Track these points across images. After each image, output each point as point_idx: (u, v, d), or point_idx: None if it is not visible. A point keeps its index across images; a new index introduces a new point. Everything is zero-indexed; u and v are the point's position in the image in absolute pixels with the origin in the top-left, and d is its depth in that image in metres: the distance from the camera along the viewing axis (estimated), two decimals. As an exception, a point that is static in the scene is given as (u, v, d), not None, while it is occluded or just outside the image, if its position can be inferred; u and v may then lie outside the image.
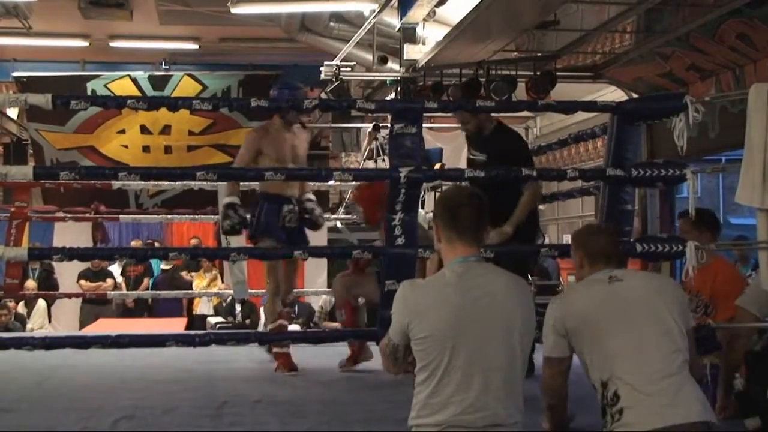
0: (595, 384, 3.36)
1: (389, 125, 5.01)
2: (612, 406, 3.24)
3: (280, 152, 6.13)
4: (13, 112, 16.15)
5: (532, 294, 3.32)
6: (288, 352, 5.96)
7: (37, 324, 11.71)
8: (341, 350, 6.11)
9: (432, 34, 10.44)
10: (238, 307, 11.91)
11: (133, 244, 13.62)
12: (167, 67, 15.15)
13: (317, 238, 6.73)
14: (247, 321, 11.92)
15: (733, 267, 5.21)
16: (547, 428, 3.68)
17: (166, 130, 13.17)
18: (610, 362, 3.30)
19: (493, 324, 2.95)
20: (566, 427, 3.57)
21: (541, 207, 12.28)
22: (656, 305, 3.45)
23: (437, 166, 10.83)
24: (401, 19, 10.34)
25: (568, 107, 5.47)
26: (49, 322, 12.36)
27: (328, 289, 10.49)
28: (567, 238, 14.52)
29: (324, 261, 11.52)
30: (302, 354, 6.15)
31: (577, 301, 3.54)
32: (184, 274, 12.91)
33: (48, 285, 11.93)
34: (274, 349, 6.12)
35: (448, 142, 14.51)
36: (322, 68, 10.72)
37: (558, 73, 10.27)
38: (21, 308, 11.72)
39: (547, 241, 11.43)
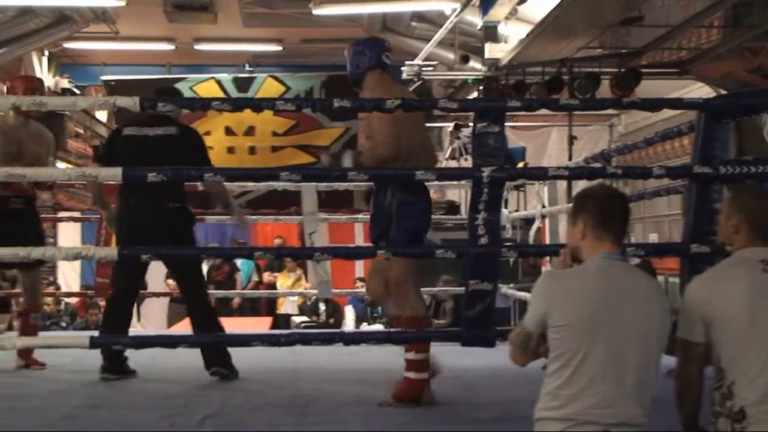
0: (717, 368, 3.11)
1: (471, 124, 4.98)
2: (728, 398, 3.03)
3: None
4: (102, 115, 16.52)
5: (667, 298, 3.19)
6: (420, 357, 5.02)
7: (127, 323, 11.96)
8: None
9: (514, 32, 10.39)
10: (321, 306, 12.03)
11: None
12: (251, 69, 15.33)
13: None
14: (331, 320, 12.01)
15: None
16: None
17: (250, 131, 13.27)
18: (738, 354, 3.04)
19: (632, 323, 2.94)
20: (695, 419, 3.32)
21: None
22: None
23: (520, 164, 10.78)
24: (483, 18, 10.32)
25: (653, 105, 5.35)
26: (138, 320, 12.61)
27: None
28: (653, 237, 14.34)
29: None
30: (383, 353, 6.17)
31: (721, 288, 3.15)
32: (267, 274, 13.07)
33: (137, 285, 12.15)
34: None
35: (531, 141, 14.46)
36: (403, 68, 10.75)
37: (643, 70, 10.14)
38: (111, 307, 11.98)
39: (632, 240, 11.28)
